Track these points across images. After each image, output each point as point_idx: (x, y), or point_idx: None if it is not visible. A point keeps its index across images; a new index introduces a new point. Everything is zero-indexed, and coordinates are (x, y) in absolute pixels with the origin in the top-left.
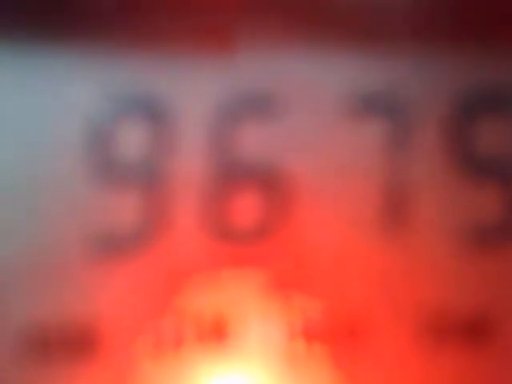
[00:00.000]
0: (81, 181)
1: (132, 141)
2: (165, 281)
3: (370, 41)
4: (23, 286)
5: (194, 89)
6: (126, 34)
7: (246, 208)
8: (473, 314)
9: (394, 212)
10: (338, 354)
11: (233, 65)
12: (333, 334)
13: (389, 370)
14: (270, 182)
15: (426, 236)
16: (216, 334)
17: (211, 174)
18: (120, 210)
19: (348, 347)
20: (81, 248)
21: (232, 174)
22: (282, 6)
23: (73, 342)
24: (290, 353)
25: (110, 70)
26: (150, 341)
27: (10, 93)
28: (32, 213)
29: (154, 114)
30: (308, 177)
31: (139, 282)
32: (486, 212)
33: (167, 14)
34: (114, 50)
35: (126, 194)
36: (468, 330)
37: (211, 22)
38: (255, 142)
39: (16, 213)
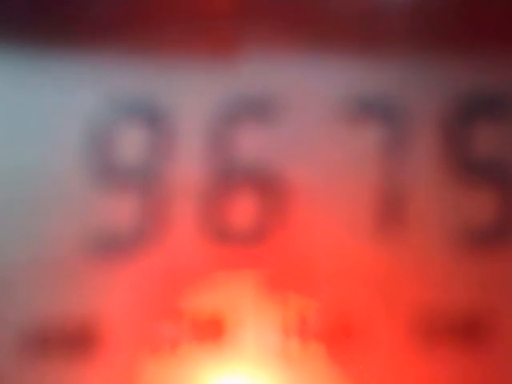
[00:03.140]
0: (81, 183)
1: (132, 144)
2: (163, 282)
3: (368, 46)
4: (23, 285)
5: (193, 93)
6: (126, 38)
7: (244, 210)
8: (467, 314)
9: (389, 214)
10: (333, 354)
11: (232, 69)
12: (328, 335)
13: (384, 369)
14: (267, 184)
15: (421, 238)
16: (213, 334)
17: (209, 177)
18: (119, 213)
19: (343, 347)
20: (80, 249)
21: (230, 178)
22: (282, 11)
23: (72, 342)
24: (287, 353)
25: (111, 74)
26: (148, 340)
27: (11, 95)
28: (32, 214)
29: (153, 117)
30: (305, 180)
31: (138, 283)
32: (482, 214)
33: (167, 19)
34: (115, 55)
35: (125, 196)
36: (462, 330)
37: (212, 27)
38: (253, 145)
39: (17, 214)
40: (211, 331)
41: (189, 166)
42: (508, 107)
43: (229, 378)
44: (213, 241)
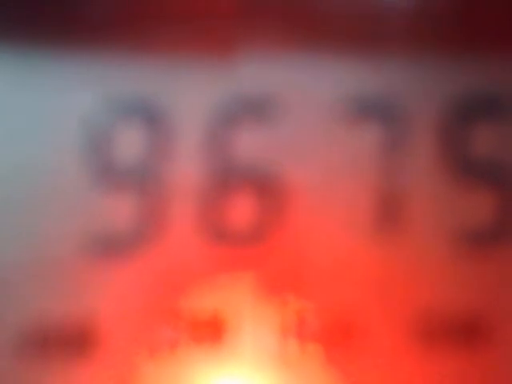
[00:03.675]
0: (79, 184)
1: (130, 144)
2: (161, 282)
3: (367, 47)
4: (21, 285)
5: (191, 93)
6: (125, 38)
7: (242, 211)
8: (466, 315)
9: (388, 215)
10: (331, 355)
11: (230, 70)
12: (327, 336)
13: (383, 370)
14: (265, 185)
15: (420, 239)
16: (212, 335)
17: (208, 177)
18: (118, 212)
19: (342, 348)
20: (79, 249)
21: (228, 178)
22: (281, 12)
23: (70, 342)
24: (285, 355)
25: (109, 74)
26: (146, 341)
27: (11, 95)
28: (31, 214)
29: (151, 118)
30: (304, 180)
31: (136, 284)
32: (480, 215)
33: (167, 19)
34: (113, 55)
35: (123, 196)
36: (461, 332)
37: (210, 27)
38: (251, 146)
39: (15, 214)
40: (209, 332)
41: (187, 166)
42: (507, 108)
43: (227, 379)
44: (211, 241)
